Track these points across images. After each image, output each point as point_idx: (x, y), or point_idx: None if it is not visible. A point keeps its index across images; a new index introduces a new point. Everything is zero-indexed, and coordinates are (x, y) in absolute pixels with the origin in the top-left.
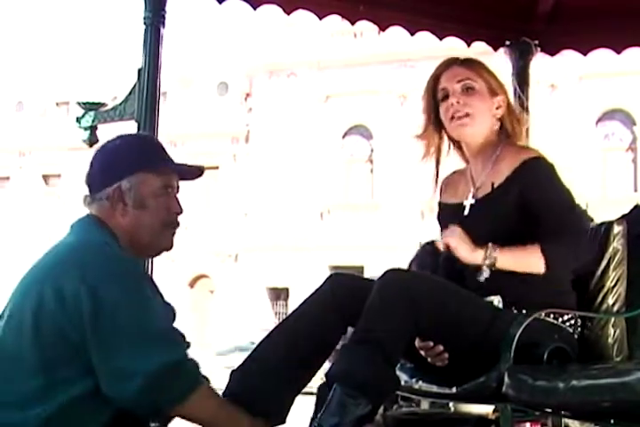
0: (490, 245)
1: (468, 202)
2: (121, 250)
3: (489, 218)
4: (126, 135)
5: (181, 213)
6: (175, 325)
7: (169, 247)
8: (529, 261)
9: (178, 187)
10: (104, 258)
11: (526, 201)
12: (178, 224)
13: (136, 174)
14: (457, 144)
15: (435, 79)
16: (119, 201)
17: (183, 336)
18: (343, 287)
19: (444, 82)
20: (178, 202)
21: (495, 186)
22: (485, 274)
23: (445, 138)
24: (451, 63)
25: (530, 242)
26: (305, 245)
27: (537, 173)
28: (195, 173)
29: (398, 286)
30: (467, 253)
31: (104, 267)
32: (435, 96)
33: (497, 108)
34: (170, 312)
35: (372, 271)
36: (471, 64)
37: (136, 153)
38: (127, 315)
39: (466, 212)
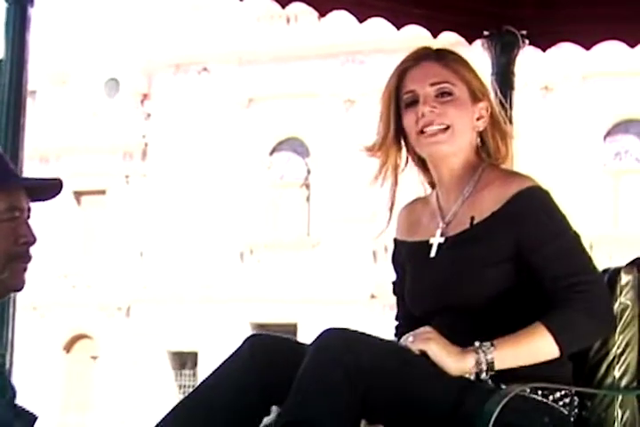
0: (478, 344)
1: (436, 240)
2: None
3: (464, 263)
4: None
5: (34, 242)
6: None
7: (18, 287)
8: (537, 351)
9: (29, 209)
10: None
11: (523, 249)
12: (29, 258)
13: None
14: (421, 163)
15: (399, 76)
16: None
17: None
18: (266, 352)
19: (413, 82)
20: (29, 228)
21: (475, 222)
22: (484, 375)
23: (404, 153)
24: (421, 57)
25: (523, 304)
26: (219, 296)
27: (537, 210)
28: (50, 189)
29: (339, 350)
30: (451, 362)
31: None
32: (397, 98)
33: (478, 119)
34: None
35: (308, 331)
36: (449, 60)
37: None
38: None
39: (432, 253)
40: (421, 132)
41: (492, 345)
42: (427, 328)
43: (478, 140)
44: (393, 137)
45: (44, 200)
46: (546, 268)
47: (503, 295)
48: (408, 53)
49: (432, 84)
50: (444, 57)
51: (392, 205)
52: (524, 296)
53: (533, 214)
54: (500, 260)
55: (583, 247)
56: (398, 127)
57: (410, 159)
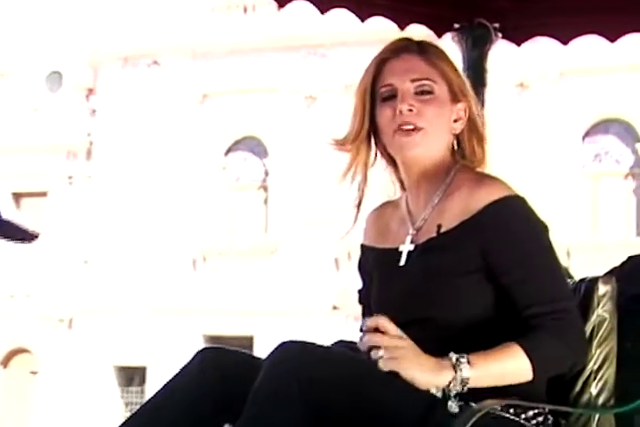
0: (455, 359)
1: (405, 248)
2: None
3: (433, 273)
4: None
5: None
6: None
7: None
8: (512, 373)
9: None
10: None
11: (493, 268)
12: None
13: None
14: (393, 162)
15: (377, 67)
16: None
17: None
18: (218, 367)
19: (392, 75)
20: None
21: (442, 230)
22: (455, 408)
23: (373, 151)
24: (402, 48)
25: (497, 316)
26: (170, 307)
27: (509, 226)
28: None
29: (295, 364)
30: (423, 379)
31: None
32: (373, 91)
33: (455, 121)
34: None
35: (265, 344)
36: (431, 54)
37: None
38: None
39: (402, 261)
40: (398, 129)
41: (469, 362)
42: (395, 340)
43: (454, 142)
44: (366, 132)
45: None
46: (517, 292)
47: (475, 307)
48: (387, 43)
49: (413, 80)
50: (427, 51)
51: (359, 203)
52: (497, 308)
53: (505, 231)
54: (470, 270)
55: (559, 268)
56: (372, 122)
57: (380, 157)
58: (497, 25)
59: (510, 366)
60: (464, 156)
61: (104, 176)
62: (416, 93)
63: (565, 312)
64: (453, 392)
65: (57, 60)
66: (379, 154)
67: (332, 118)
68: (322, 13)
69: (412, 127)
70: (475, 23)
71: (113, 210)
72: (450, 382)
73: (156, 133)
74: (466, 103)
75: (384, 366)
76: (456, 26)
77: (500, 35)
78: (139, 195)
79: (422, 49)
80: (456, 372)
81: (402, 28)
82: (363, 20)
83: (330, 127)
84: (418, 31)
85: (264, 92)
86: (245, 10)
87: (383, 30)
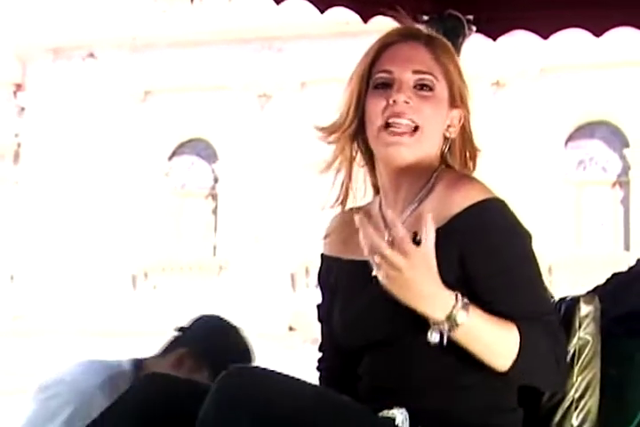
0: (456, 292)
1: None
2: None
3: None
4: None
5: None
6: None
7: None
8: (503, 340)
9: None
10: None
11: (469, 274)
12: None
13: None
14: (370, 160)
15: (378, 50)
16: None
17: None
18: (159, 395)
19: (393, 62)
20: None
21: (418, 238)
22: (435, 338)
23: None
24: (410, 35)
25: None
26: (106, 328)
27: (489, 231)
28: None
29: (243, 392)
30: (414, 303)
31: None
32: (369, 78)
33: (449, 127)
34: None
35: None
36: (439, 49)
37: None
38: None
39: (374, 272)
40: (386, 125)
41: (466, 310)
42: (396, 255)
43: (446, 148)
44: (359, 121)
45: None
46: (497, 306)
47: None
48: (392, 28)
49: (414, 72)
50: (435, 44)
51: (343, 201)
52: None
53: (484, 238)
54: (448, 283)
55: (541, 279)
56: (363, 112)
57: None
58: (470, 17)
59: (505, 333)
60: (454, 166)
61: (33, 182)
62: (415, 87)
63: (550, 326)
64: (432, 337)
65: None
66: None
67: (289, 119)
68: (277, 4)
69: (405, 122)
70: (445, 15)
71: (43, 220)
72: (444, 321)
73: (92, 135)
74: (463, 110)
75: (380, 280)
76: (425, 18)
77: (473, 28)
78: (72, 203)
79: (430, 41)
80: (451, 313)
81: (365, 19)
82: (322, 12)
83: (286, 128)
84: (382, 24)
85: (213, 90)
86: None
87: (346, 22)
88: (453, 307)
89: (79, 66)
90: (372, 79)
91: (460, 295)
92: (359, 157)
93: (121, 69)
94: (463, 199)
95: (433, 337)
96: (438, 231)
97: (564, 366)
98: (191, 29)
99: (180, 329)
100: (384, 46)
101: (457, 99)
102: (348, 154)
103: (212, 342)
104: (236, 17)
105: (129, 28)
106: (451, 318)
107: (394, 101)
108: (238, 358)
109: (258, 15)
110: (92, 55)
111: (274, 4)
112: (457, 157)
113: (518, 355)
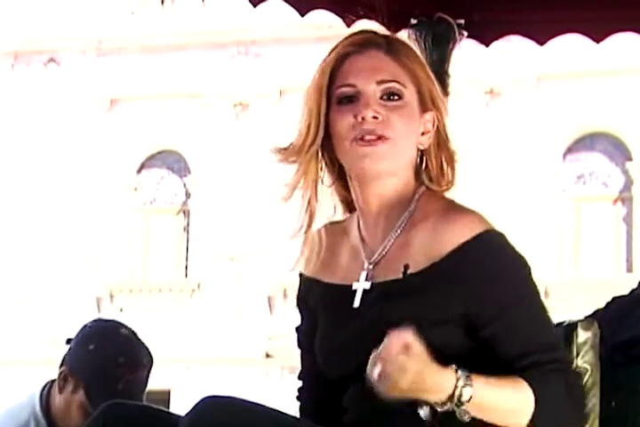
0: (455, 368)
1: (360, 285)
2: None
3: (397, 322)
4: None
5: None
6: None
7: None
8: (514, 401)
9: None
10: None
11: (472, 314)
12: None
13: None
14: (340, 178)
15: (337, 62)
16: None
17: None
18: (124, 425)
19: (356, 75)
20: None
21: (409, 272)
22: (426, 412)
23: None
24: (368, 42)
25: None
26: None
27: (490, 268)
28: None
29: (217, 424)
30: (433, 375)
31: None
32: (329, 93)
33: (422, 134)
34: None
35: (184, 399)
36: (400, 53)
37: None
38: None
39: (356, 302)
40: (359, 138)
41: (470, 384)
42: (391, 346)
43: (418, 160)
44: (321, 140)
45: None
46: (503, 344)
47: (445, 361)
48: (348, 35)
49: (379, 82)
50: (396, 48)
51: (308, 227)
52: (471, 365)
53: (485, 276)
54: (443, 320)
55: (547, 314)
56: (326, 129)
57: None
58: (461, 21)
59: (515, 396)
60: (430, 177)
61: None
62: (382, 98)
63: (562, 364)
64: (453, 407)
65: None
66: (324, 167)
67: (267, 129)
68: (254, 6)
69: (375, 137)
70: (435, 19)
71: (9, 238)
72: (446, 401)
73: (54, 146)
74: (435, 113)
75: (378, 383)
76: (413, 22)
77: (465, 33)
78: (31, 220)
79: (390, 45)
80: (454, 393)
81: (348, 24)
82: (302, 15)
83: (264, 140)
84: (366, 27)
85: (185, 98)
86: (163, 0)
87: (327, 25)
88: (455, 386)
89: (40, 72)
90: (334, 94)
91: (459, 370)
92: (325, 177)
93: (85, 76)
94: (459, 234)
95: (424, 412)
96: (433, 268)
97: (581, 406)
98: (162, 32)
99: (68, 341)
100: (342, 57)
101: (427, 101)
102: (314, 175)
103: (88, 355)
104: (211, 20)
105: (94, 30)
106: (454, 398)
107: (362, 118)
108: (118, 372)
109: (233, 18)
110: (53, 60)
111: (250, 6)
112: (433, 168)
113: (534, 412)
